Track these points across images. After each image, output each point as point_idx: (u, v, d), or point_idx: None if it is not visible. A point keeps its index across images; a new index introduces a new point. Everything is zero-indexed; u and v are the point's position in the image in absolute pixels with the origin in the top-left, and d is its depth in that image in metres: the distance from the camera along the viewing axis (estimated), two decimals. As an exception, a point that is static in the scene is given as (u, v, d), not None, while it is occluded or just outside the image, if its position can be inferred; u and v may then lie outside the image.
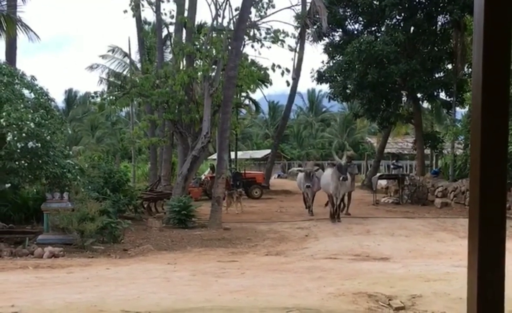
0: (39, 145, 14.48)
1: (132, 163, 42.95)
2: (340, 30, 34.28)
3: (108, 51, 44.69)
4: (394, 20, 31.62)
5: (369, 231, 18.11)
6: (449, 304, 7.93)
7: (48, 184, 15.85)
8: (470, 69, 29.71)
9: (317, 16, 31.40)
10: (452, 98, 31.18)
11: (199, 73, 23.35)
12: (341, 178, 19.68)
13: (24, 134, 14.11)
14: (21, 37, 25.49)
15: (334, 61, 34.09)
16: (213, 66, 23.46)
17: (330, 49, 34.57)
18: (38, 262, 12.93)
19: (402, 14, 30.58)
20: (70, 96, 74.98)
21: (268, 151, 49.23)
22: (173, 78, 22.94)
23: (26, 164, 14.52)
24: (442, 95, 33.65)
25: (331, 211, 20.80)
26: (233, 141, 44.72)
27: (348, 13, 33.22)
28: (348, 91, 33.37)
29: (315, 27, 33.67)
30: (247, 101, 43.14)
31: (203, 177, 34.91)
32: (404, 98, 35.04)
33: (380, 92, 31.55)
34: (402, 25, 31.05)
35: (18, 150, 14.18)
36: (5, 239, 15.40)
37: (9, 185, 14.84)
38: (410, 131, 44.07)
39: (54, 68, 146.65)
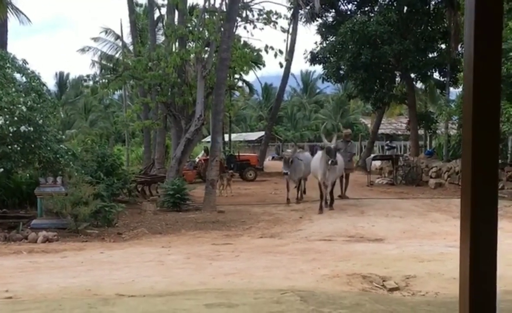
0: (32, 129, 14.44)
1: (125, 147, 42.83)
2: (333, 10, 34.24)
3: (101, 32, 44.50)
4: (387, 0, 31.55)
5: (363, 212, 18.13)
6: (443, 284, 7.96)
7: (41, 169, 15.82)
8: (464, 49, 29.67)
9: (310, -4, 31.31)
10: (446, 78, 31.20)
11: (191, 55, 23.25)
12: (330, 162, 18.05)
13: (16, 118, 14.06)
14: (12, 20, 25.36)
15: (327, 42, 34.07)
16: (206, 48, 23.35)
17: (323, 30, 34.54)
18: (32, 247, 12.92)
19: (395, -6, 30.52)
20: (62, 79, 74.54)
21: (262, 133, 49.22)
22: (166, 60, 22.83)
23: (18, 149, 14.48)
24: (436, 75, 33.73)
25: (320, 202, 18.71)
26: (227, 123, 44.66)
27: (341, -7, 33.17)
28: (341, 72, 33.33)
29: (308, 7, 33.57)
30: (240, 83, 43.02)
31: (197, 160, 34.87)
32: (398, 79, 35.09)
33: (374, 73, 31.50)
34: (395, 5, 31.01)
35: (11, 134, 14.13)
36: (-1, 224, 15.39)
37: (2, 169, 14.77)
38: (404, 111, 44.12)
39: (46, 51, 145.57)
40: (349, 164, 22.31)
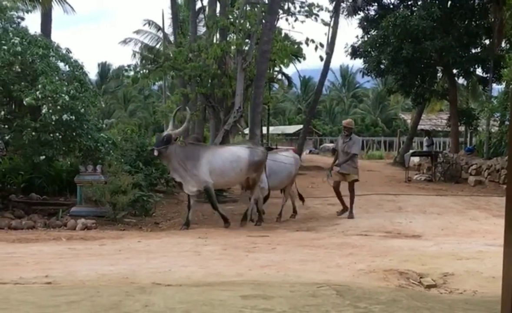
0: (73, 117, 14.56)
1: (164, 137, 43.08)
2: (376, 4, 33.94)
3: (144, 25, 44.93)
4: (431, -6, 31.20)
5: (401, 208, 17.98)
6: (481, 283, 7.83)
7: (82, 157, 15.99)
8: (508, 45, 29.15)
9: (353, -11, 31.09)
10: (488, 74, 30.68)
11: (232, 47, 23.25)
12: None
13: (58, 107, 14.18)
14: (56, 10, 25.69)
15: (368, 36, 33.79)
16: (247, 40, 23.34)
17: (365, 23, 34.27)
18: (71, 234, 13.11)
19: (440, -12, 30.15)
20: (104, 70, 75.55)
21: (300, 126, 49.18)
22: (206, 51, 22.86)
23: (60, 137, 14.60)
24: (479, 71, 33.22)
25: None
26: (265, 116, 44.69)
27: (384, -13, 32.90)
28: (382, 66, 33.09)
29: (350, 1, 33.33)
30: (280, 76, 42.96)
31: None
32: (439, 74, 34.68)
33: (415, 68, 31.20)
34: (438, -1, 30.63)
35: (53, 123, 14.25)
36: (39, 210, 15.63)
37: (44, 157, 14.96)
38: (445, 107, 43.60)
39: (89, 41, 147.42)
40: (348, 167, 16.12)
